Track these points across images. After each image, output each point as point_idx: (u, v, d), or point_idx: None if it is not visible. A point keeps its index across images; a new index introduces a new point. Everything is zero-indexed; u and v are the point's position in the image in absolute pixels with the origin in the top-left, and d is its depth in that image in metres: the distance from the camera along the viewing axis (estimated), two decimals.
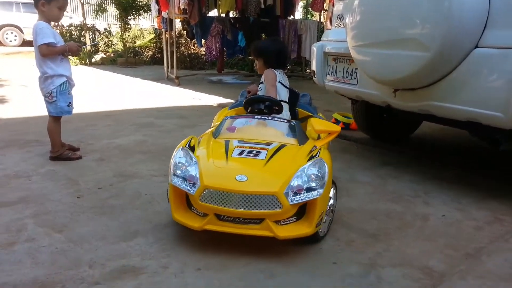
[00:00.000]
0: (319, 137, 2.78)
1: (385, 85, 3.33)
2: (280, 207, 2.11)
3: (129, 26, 12.86)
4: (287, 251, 2.31)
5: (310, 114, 3.18)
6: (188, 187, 2.19)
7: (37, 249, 2.23)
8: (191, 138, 2.55)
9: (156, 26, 12.81)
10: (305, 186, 2.16)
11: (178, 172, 2.26)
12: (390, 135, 4.65)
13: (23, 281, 1.95)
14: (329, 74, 4.12)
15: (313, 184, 2.17)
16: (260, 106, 2.78)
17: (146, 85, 8.73)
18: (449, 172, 3.69)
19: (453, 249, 2.39)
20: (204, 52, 11.22)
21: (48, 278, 1.98)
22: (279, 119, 2.68)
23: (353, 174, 3.59)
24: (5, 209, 2.70)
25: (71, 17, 16.00)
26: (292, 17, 10.28)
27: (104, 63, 12.51)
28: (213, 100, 7.07)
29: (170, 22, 9.35)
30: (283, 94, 3.02)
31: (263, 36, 10.60)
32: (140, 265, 2.12)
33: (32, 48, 3.26)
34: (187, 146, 2.43)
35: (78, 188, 3.08)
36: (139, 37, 13.84)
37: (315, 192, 2.16)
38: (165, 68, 9.87)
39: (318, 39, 8.49)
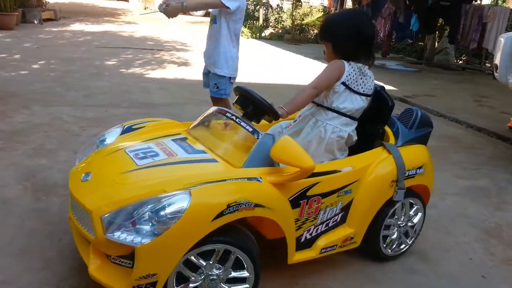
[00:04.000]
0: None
1: None
2: (93, 234, 1.50)
3: (300, 3, 13.21)
4: (428, 251, 2.22)
5: (386, 141, 2.08)
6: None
7: None
8: (152, 121, 2.12)
9: (326, 4, 12.86)
10: (141, 222, 1.44)
11: (93, 148, 1.93)
12: None
13: None
14: None
15: (145, 226, 1.43)
16: (238, 101, 1.92)
17: (306, 62, 8.93)
18: None
19: None
20: None
21: None
22: (246, 125, 1.80)
23: None
24: None
25: None
26: (478, 1, 9.13)
27: (272, 38, 13.18)
28: None
29: (341, 2, 9.30)
30: (343, 102, 1.94)
31: (440, 21, 9.71)
32: None
33: None
34: (125, 126, 2.05)
35: None
36: (308, 15, 14.10)
37: (135, 237, 1.42)
38: None
39: (508, 29, 7.39)
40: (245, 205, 1.51)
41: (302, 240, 1.79)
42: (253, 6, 14.70)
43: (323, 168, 1.79)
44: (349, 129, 1.98)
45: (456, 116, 5.11)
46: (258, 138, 1.72)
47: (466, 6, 8.43)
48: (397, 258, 2.12)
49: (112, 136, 1.98)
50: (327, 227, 1.86)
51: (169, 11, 2.56)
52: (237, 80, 3.79)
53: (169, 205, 1.43)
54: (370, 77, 1.98)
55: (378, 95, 2.08)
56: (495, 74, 3.90)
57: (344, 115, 1.95)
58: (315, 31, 13.64)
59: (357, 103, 1.95)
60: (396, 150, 1.99)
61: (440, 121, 4.98)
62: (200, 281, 1.55)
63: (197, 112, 4.42)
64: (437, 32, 9.89)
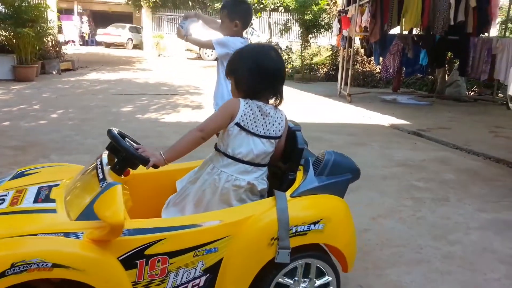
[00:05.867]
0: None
1: None
2: None
3: (309, 44, 13.56)
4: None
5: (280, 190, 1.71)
6: None
7: None
8: (49, 166, 2.10)
9: (334, 43, 13.19)
10: None
11: None
12: None
13: None
14: None
15: None
16: (108, 146, 1.72)
17: (318, 100, 9.02)
18: None
19: None
20: (379, 70, 11.01)
21: None
22: (100, 172, 1.66)
23: None
24: None
25: (258, 36, 17.72)
26: (486, 34, 9.21)
27: None
28: (384, 119, 6.87)
29: (349, 40, 9.51)
30: (239, 147, 1.73)
31: (449, 55, 9.80)
32: None
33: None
34: (19, 171, 1.97)
35: None
36: (317, 55, 14.44)
37: None
38: (338, 85, 10.04)
39: None
40: (38, 265, 1.33)
41: None
42: None
43: (171, 223, 1.55)
44: (249, 177, 1.74)
45: (473, 148, 5.04)
46: (102, 187, 1.54)
47: (475, 39, 8.53)
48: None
49: (2, 182, 1.87)
50: None
51: (178, 32, 2.98)
52: None
53: None
54: (278, 117, 1.76)
55: (292, 136, 1.83)
56: (510, 104, 3.89)
57: (241, 161, 1.72)
58: (325, 69, 13.92)
59: (257, 147, 1.72)
60: (284, 200, 1.64)
61: (457, 154, 4.91)
62: None
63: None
64: (446, 66, 9.97)
